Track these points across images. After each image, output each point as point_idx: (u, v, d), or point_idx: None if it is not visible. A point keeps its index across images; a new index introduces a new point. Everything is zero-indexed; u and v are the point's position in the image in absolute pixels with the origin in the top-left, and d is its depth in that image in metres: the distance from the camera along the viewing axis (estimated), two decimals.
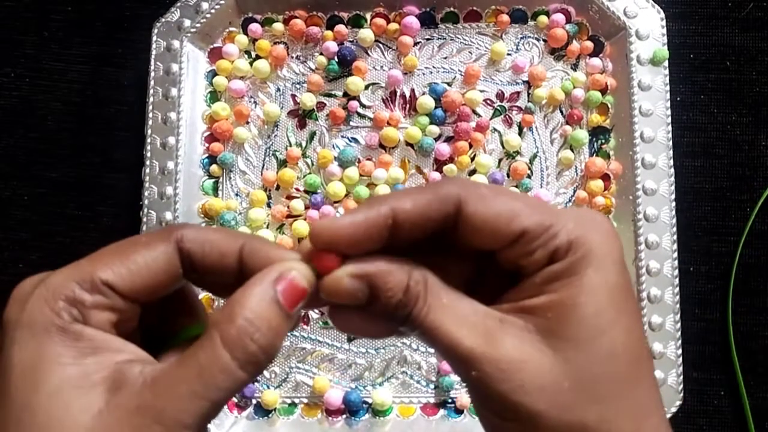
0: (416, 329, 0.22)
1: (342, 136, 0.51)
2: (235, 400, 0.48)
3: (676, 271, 0.47)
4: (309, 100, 0.51)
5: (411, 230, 0.22)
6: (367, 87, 0.51)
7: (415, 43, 0.51)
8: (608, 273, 0.22)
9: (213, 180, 0.51)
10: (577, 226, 0.23)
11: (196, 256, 0.23)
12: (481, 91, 0.51)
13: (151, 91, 0.50)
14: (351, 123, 0.51)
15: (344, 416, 0.48)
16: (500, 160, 0.50)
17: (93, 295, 0.22)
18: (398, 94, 0.51)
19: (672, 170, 0.48)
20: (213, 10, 0.50)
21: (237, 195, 0.51)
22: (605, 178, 0.50)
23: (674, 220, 0.47)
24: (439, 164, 0.50)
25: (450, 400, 0.48)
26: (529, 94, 0.51)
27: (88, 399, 0.21)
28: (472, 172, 0.50)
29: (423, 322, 0.22)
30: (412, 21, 0.50)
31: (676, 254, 0.47)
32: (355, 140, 0.51)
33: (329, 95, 0.51)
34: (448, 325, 0.22)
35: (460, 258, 0.25)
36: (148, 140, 0.49)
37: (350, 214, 0.22)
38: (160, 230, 0.24)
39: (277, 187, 0.51)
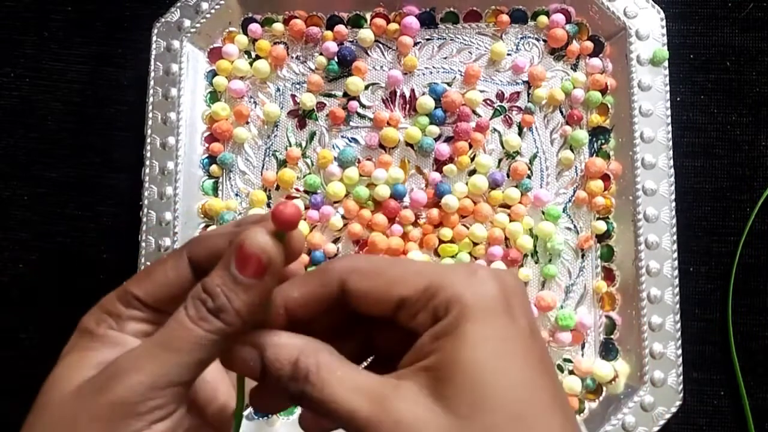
0: (313, 405, 0.23)
1: (342, 137, 0.51)
2: None
3: (676, 272, 0.47)
4: (309, 100, 0.51)
5: (305, 312, 0.25)
6: (367, 87, 0.51)
7: (415, 43, 0.51)
8: (488, 325, 0.23)
9: (213, 180, 0.51)
10: (457, 284, 0.23)
11: (200, 260, 0.26)
12: (481, 91, 0.51)
13: (151, 91, 0.50)
14: (351, 123, 0.51)
15: None
16: (500, 160, 0.50)
17: (128, 309, 0.26)
18: (398, 94, 0.51)
19: (672, 170, 0.48)
20: (213, 10, 0.50)
21: (237, 195, 0.51)
22: (605, 178, 0.50)
23: (674, 220, 0.47)
24: (439, 164, 0.50)
25: None
26: (529, 94, 0.51)
27: (88, 372, 0.24)
28: (472, 172, 0.50)
29: (318, 397, 0.23)
30: (412, 21, 0.50)
31: (676, 254, 0.47)
32: (355, 140, 0.51)
33: (329, 95, 0.51)
34: (343, 396, 0.23)
35: (365, 326, 0.27)
36: (148, 140, 0.49)
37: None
38: (179, 248, 0.28)
39: (277, 188, 0.51)
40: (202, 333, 0.23)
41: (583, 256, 0.49)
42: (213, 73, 0.52)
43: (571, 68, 0.51)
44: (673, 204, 0.47)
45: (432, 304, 0.23)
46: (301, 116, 0.51)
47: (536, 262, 0.49)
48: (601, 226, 0.49)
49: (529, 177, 0.50)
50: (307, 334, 0.25)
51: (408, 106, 0.51)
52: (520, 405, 0.22)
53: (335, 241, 0.50)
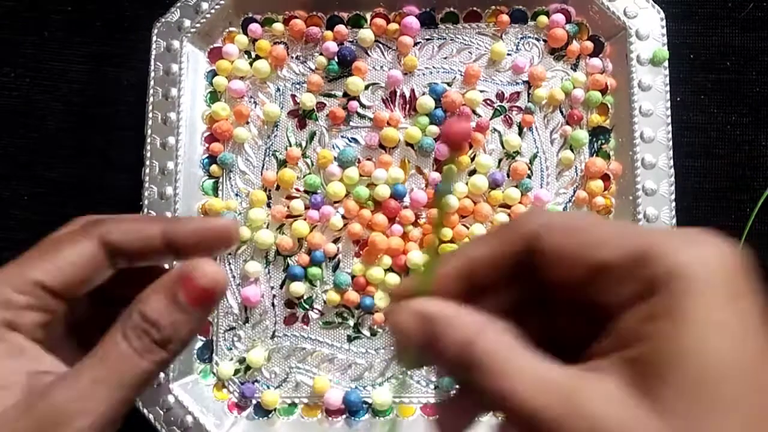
0: (486, 400, 0.19)
1: (342, 136, 0.51)
2: (234, 400, 0.48)
3: None
4: (309, 100, 0.51)
5: (486, 277, 0.22)
6: (367, 87, 0.51)
7: (415, 44, 0.51)
8: (725, 309, 0.18)
9: (213, 180, 0.51)
10: (681, 251, 0.19)
11: (121, 245, 0.24)
12: (481, 91, 0.51)
13: (151, 91, 0.50)
14: (351, 123, 0.51)
15: (344, 416, 0.48)
16: (500, 160, 0.50)
17: (24, 296, 0.23)
18: (398, 94, 0.51)
19: (672, 170, 0.48)
20: (213, 10, 0.50)
21: (237, 195, 0.51)
22: (605, 178, 0.50)
23: (674, 220, 0.47)
24: (439, 164, 0.50)
25: None
26: (529, 94, 0.51)
27: None
28: (472, 172, 0.50)
29: (492, 389, 0.19)
30: (412, 21, 0.50)
31: None
32: (355, 140, 0.51)
33: (329, 95, 0.51)
34: (525, 392, 0.18)
35: (545, 305, 0.23)
36: (148, 140, 0.49)
37: (418, 278, 0.23)
38: (81, 226, 0.25)
39: (277, 187, 0.51)
40: (148, 366, 0.22)
41: None
42: (213, 73, 0.52)
43: (571, 68, 0.51)
44: (673, 204, 0.47)
45: (643, 275, 0.19)
46: (301, 116, 0.51)
47: None
48: None
49: (529, 177, 0.50)
50: (481, 309, 0.21)
51: (408, 106, 0.51)
52: (758, 410, 0.17)
53: (335, 241, 0.50)
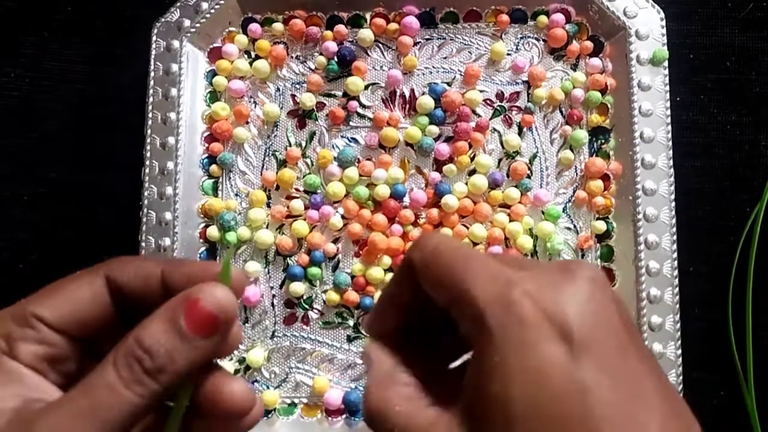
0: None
1: (342, 136, 0.51)
2: None
3: (676, 271, 0.47)
4: (309, 100, 0.51)
5: (411, 309, 0.24)
6: (366, 87, 0.51)
7: (415, 43, 0.51)
8: (522, 354, 0.19)
9: (213, 180, 0.51)
10: (486, 299, 0.20)
11: (122, 282, 0.24)
12: (481, 91, 0.51)
13: (151, 91, 0.50)
14: (351, 123, 0.51)
15: (344, 416, 0.48)
16: (500, 160, 0.50)
17: (22, 328, 0.23)
18: (398, 94, 0.51)
19: (672, 170, 0.48)
20: (213, 10, 0.50)
21: (237, 195, 0.51)
22: (605, 178, 0.50)
23: (674, 220, 0.47)
24: (438, 164, 0.50)
25: None
26: (528, 94, 0.51)
27: None
28: (472, 172, 0.50)
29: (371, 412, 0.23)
30: (412, 21, 0.50)
31: (676, 254, 0.47)
32: (355, 140, 0.51)
33: (329, 95, 0.51)
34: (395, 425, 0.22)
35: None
36: (148, 140, 0.49)
37: (369, 318, 0.26)
38: (93, 266, 0.25)
39: (277, 187, 0.51)
40: (135, 398, 0.21)
41: (582, 256, 0.49)
42: (213, 73, 0.52)
43: (571, 68, 0.51)
44: (673, 204, 0.47)
45: (463, 320, 0.21)
46: (301, 116, 0.51)
47: None
48: (601, 226, 0.49)
49: (528, 177, 0.50)
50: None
51: (408, 106, 0.51)
52: None
53: (335, 241, 0.50)
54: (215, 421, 0.24)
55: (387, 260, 0.49)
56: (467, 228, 0.49)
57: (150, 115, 0.50)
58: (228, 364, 0.48)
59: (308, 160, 0.51)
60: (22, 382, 0.22)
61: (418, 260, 0.23)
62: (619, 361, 0.20)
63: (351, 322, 0.49)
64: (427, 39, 0.52)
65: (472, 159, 0.50)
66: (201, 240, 0.50)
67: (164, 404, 0.24)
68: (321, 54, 0.51)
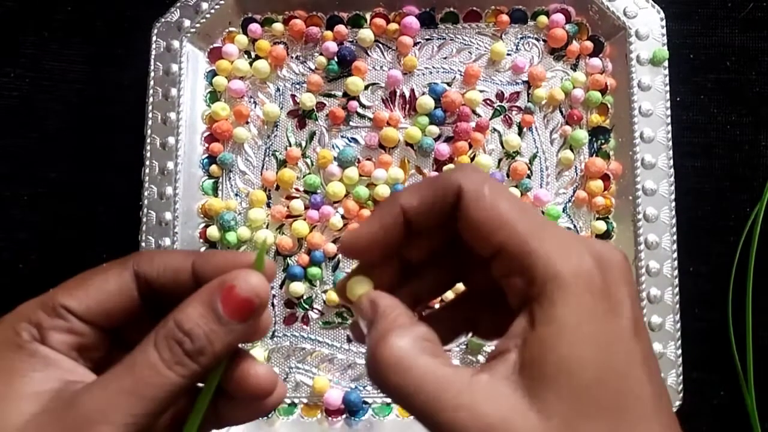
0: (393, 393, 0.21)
1: (342, 136, 0.51)
2: None
3: (676, 271, 0.47)
4: (309, 100, 0.51)
5: (423, 222, 0.23)
6: (366, 87, 0.51)
7: (415, 43, 0.51)
8: (589, 320, 0.20)
9: (213, 180, 0.51)
10: (558, 259, 0.21)
11: (151, 276, 0.25)
12: (481, 91, 0.51)
13: (151, 91, 0.50)
14: (351, 123, 0.51)
15: (344, 416, 0.48)
16: (500, 160, 0.50)
17: (52, 318, 0.24)
18: (398, 94, 0.51)
19: (672, 170, 0.48)
20: (213, 10, 0.50)
21: (237, 195, 0.51)
22: (605, 178, 0.50)
23: (674, 220, 0.47)
24: (438, 164, 0.50)
25: None
26: (528, 94, 0.51)
27: (27, 406, 0.22)
28: None
29: (397, 386, 0.21)
30: (412, 21, 0.50)
31: (675, 254, 0.47)
32: (355, 140, 0.51)
33: (329, 95, 0.51)
34: (426, 392, 0.20)
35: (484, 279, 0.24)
36: (148, 140, 0.49)
37: (366, 222, 0.24)
38: (121, 259, 0.25)
39: (277, 187, 0.51)
40: (177, 379, 0.22)
41: None
42: (213, 73, 0.52)
43: (571, 68, 0.51)
44: (673, 204, 0.47)
45: (526, 274, 0.21)
46: (301, 116, 0.51)
47: None
48: (601, 226, 0.49)
49: (529, 177, 0.50)
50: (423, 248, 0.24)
51: (408, 106, 0.51)
52: (621, 413, 0.20)
53: (335, 241, 0.50)
54: (241, 401, 0.25)
55: None
56: None
57: (150, 115, 0.50)
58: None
59: (308, 160, 0.51)
60: (58, 366, 0.23)
61: (471, 191, 0.22)
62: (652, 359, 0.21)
63: (351, 322, 0.49)
64: (427, 39, 0.52)
65: (472, 159, 0.50)
66: (201, 240, 0.50)
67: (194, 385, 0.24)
68: (321, 54, 0.51)
